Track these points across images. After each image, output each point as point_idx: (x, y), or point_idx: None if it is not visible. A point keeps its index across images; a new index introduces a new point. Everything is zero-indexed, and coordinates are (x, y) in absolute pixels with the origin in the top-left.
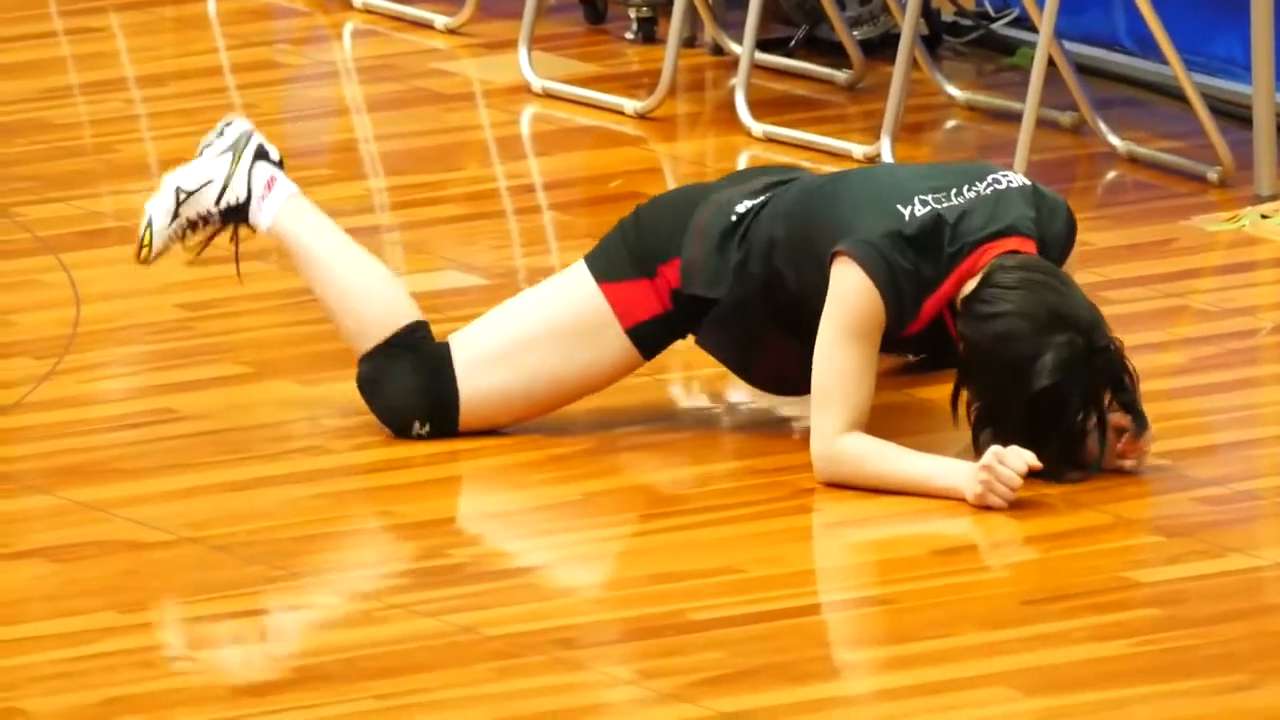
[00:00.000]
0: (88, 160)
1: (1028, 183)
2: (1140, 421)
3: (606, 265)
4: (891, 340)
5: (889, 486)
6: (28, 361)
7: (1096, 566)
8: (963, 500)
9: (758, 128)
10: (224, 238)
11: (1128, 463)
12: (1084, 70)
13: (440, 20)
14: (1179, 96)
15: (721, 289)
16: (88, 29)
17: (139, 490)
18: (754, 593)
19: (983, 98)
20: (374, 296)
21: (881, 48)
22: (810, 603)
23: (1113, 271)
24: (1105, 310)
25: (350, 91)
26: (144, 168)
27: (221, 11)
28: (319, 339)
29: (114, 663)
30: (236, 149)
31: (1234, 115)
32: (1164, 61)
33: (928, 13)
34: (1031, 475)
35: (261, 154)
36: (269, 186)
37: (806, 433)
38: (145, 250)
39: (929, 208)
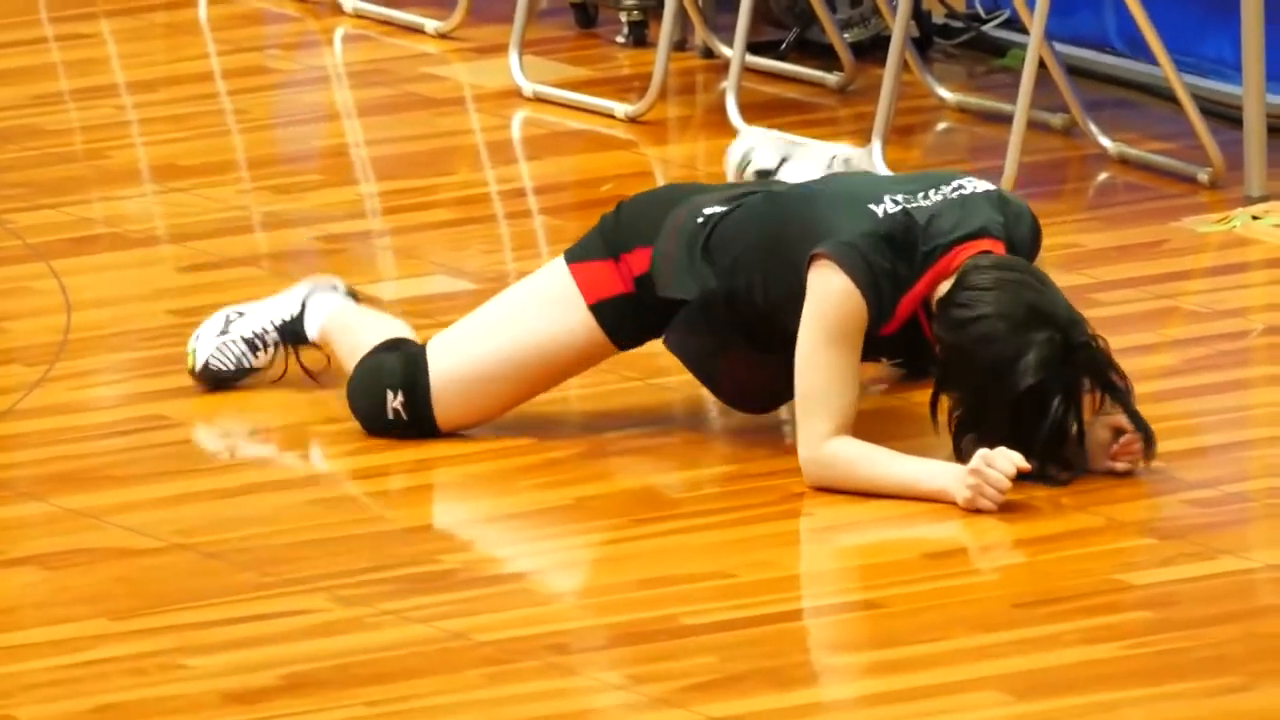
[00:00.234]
0: (79, 166)
1: (992, 188)
2: (1144, 430)
3: (579, 250)
4: (867, 341)
5: (879, 490)
6: (19, 368)
7: (1087, 569)
8: (952, 503)
9: (749, 131)
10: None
11: (1120, 465)
12: (1075, 72)
13: (431, 25)
14: (1170, 98)
15: (688, 291)
16: (78, 35)
17: (130, 497)
18: (745, 597)
19: (974, 100)
20: (380, 332)
21: (872, 50)
22: (801, 607)
23: (1103, 273)
24: (1096, 312)
25: (341, 96)
26: (135, 174)
27: (212, 17)
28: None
29: (106, 670)
30: (299, 287)
31: (1225, 116)
32: (1154, 63)
33: (918, 15)
34: (1020, 477)
35: (330, 289)
36: (322, 304)
37: (796, 437)
38: (190, 359)
39: (900, 206)
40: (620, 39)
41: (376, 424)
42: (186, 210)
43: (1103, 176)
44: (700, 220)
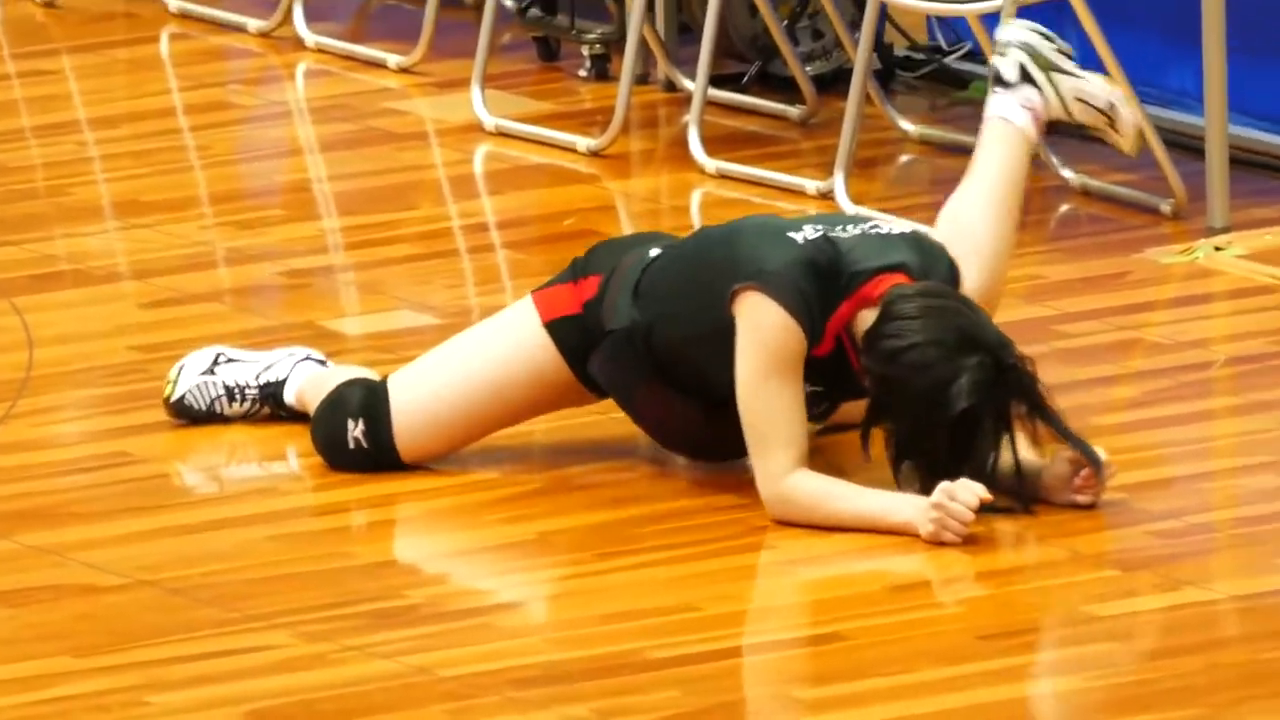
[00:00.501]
0: (40, 203)
1: (909, 229)
2: (1084, 450)
3: (547, 283)
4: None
5: (843, 524)
6: None
7: (1051, 601)
8: (916, 536)
9: (711, 164)
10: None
11: (1083, 498)
12: None
13: (393, 59)
14: None
15: (614, 323)
16: (40, 71)
17: (93, 534)
18: (709, 631)
19: (936, 132)
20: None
21: (834, 83)
22: (766, 640)
23: (1066, 305)
24: (1059, 344)
25: (303, 131)
26: (97, 210)
27: (174, 53)
28: None
29: (69, 707)
30: (293, 352)
31: (1187, 147)
32: None
33: (880, 47)
34: (983, 509)
35: (321, 362)
36: (308, 370)
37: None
38: (169, 388)
39: (820, 233)
40: (582, 73)
41: (338, 455)
42: (149, 246)
43: (1065, 208)
44: (640, 262)
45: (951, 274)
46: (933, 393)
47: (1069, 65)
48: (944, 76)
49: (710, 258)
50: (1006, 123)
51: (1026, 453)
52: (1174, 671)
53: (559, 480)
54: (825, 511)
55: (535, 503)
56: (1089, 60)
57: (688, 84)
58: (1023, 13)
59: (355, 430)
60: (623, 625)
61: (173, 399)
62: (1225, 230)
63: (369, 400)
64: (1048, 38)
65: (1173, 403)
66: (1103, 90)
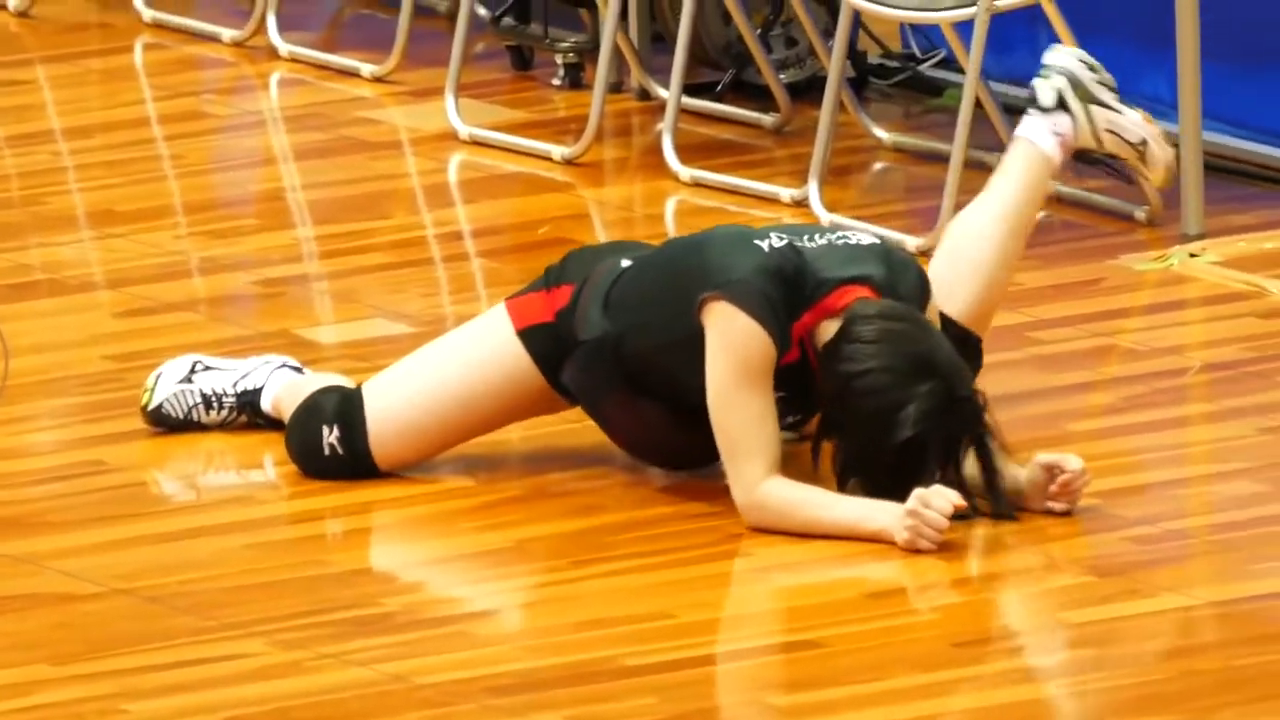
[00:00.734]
0: (15, 213)
1: (877, 240)
2: (998, 502)
3: (521, 290)
4: None
5: (819, 532)
6: None
7: (1027, 607)
8: (892, 543)
9: (685, 172)
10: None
11: (1058, 505)
12: (1011, 111)
13: (367, 69)
14: None
15: (586, 333)
16: (14, 81)
17: (69, 542)
18: (685, 638)
19: (910, 139)
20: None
21: (808, 91)
22: (742, 647)
23: (1041, 311)
24: (1034, 350)
25: (277, 140)
26: (72, 220)
27: (147, 63)
28: None
29: (46, 715)
30: (270, 360)
31: None
32: None
33: (854, 55)
34: (958, 516)
35: (297, 370)
36: (285, 377)
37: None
38: (147, 396)
39: (786, 241)
40: (556, 81)
41: (313, 461)
42: (123, 256)
43: (1040, 215)
44: (611, 271)
45: (920, 286)
46: (881, 418)
47: (1109, 98)
48: (918, 84)
49: (679, 266)
50: (1033, 145)
51: (1001, 460)
52: (1150, 678)
53: (535, 488)
54: (800, 518)
55: (511, 510)
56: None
57: (662, 92)
58: (997, 19)
59: (330, 437)
60: (598, 633)
61: (150, 407)
62: (1200, 237)
63: (344, 407)
64: (1093, 68)
65: (1148, 409)
66: (1137, 126)
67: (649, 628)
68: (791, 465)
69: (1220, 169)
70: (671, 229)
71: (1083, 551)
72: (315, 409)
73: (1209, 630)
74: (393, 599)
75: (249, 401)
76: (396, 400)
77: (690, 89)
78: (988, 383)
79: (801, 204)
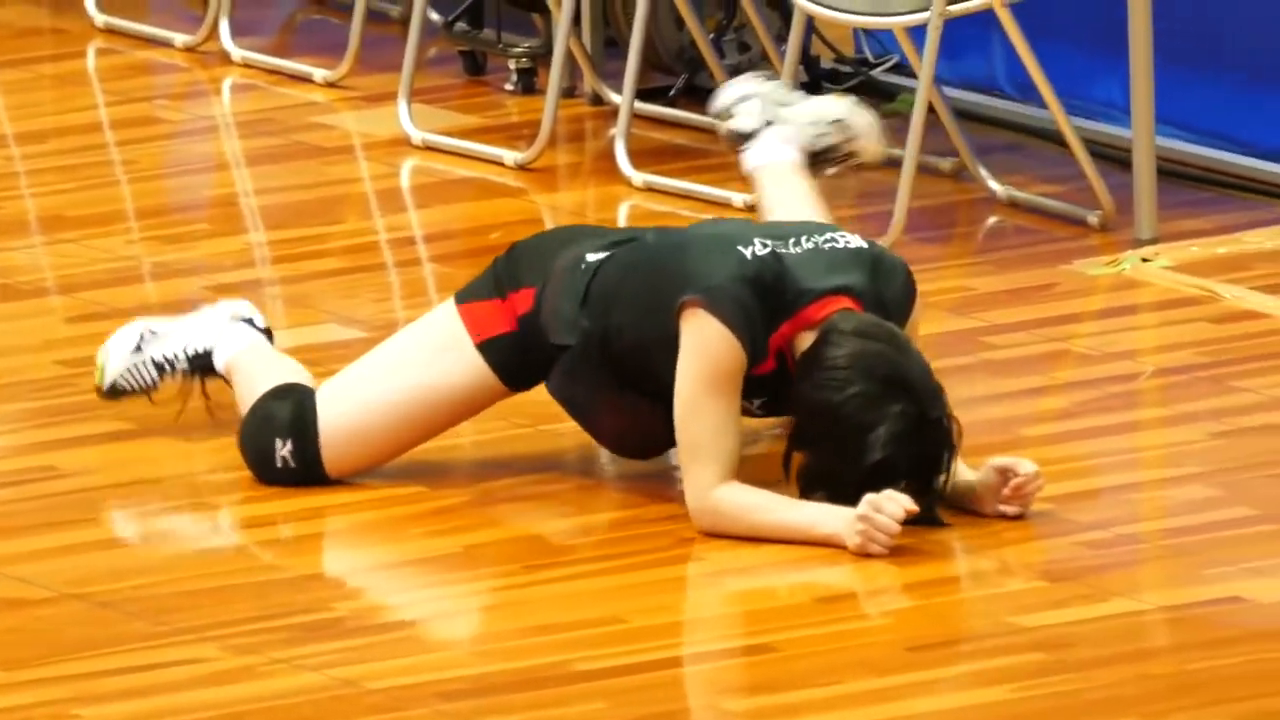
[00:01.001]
0: None
1: (865, 245)
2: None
3: (468, 291)
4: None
5: (769, 536)
6: None
7: (980, 611)
8: (843, 548)
9: (638, 177)
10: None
11: (1011, 508)
12: (964, 116)
13: (319, 74)
14: (1059, 141)
15: (570, 337)
16: None
17: (21, 548)
18: (637, 643)
19: None
20: (275, 378)
21: None
22: (694, 652)
23: (994, 316)
24: (987, 355)
25: (230, 146)
26: (24, 225)
27: (100, 68)
28: (199, 395)
29: None
30: (217, 313)
31: (1114, 159)
32: (1044, 106)
33: (807, 60)
34: (910, 521)
35: (247, 321)
36: (236, 335)
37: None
38: (99, 374)
39: (769, 249)
40: (509, 86)
41: (266, 472)
42: (75, 261)
43: (992, 220)
44: (584, 268)
45: (906, 293)
46: (852, 438)
47: (793, 96)
48: (871, 89)
49: (661, 267)
50: (775, 163)
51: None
52: (1103, 682)
53: (485, 493)
54: (751, 523)
55: (462, 515)
56: (1016, 73)
57: (614, 97)
58: (950, 24)
59: (283, 450)
60: (550, 638)
61: (105, 387)
62: (1152, 242)
63: (296, 418)
64: (766, 79)
65: (1100, 414)
66: (833, 105)
67: (600, 633)
68: (760, 469)
69: (1173, 174)
70: None
71: (1035, 556)
72: (269, 420)
73: (1161, 635)
74: (343, 604)
75: (201, 364)
76: (351, 417)
77: (643, 94)
78: None
79: (754, 209)
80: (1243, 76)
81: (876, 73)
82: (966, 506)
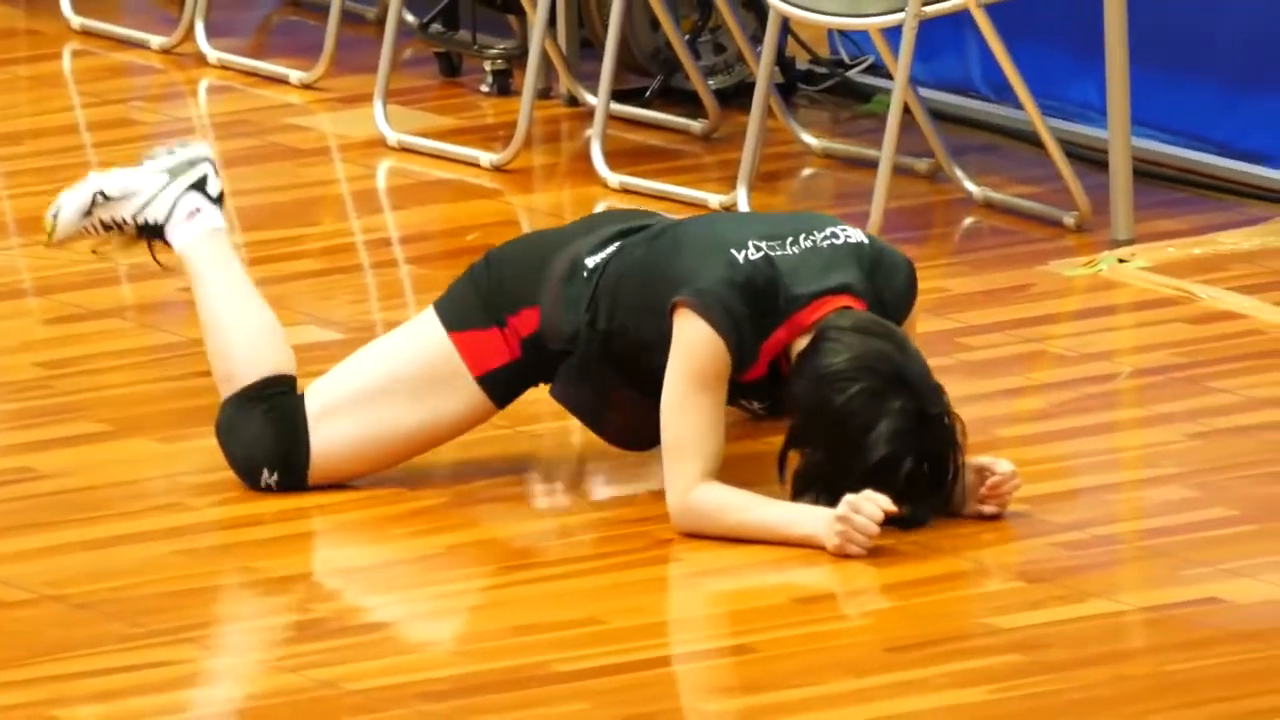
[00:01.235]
0: None
1: (865, 239)
2: (919, 518)
3: (456, 314)
4: (732, 386)
5: (747, 536)
6: None
7: (958, 612)
8: (822, 548)
9: (614, 178)
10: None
11: (989, 508)
12: (940, 117)
13: (295, 75)
14: (1035, 142)
15: (573, 344)
16: None
17: None
18: (617, 643)
19: (839, 145)
20: (251, 344)
21: (737, 97)
22: (674, 652)
23: (970, 317)
24: (964, 356)
25: None
26: (1, 227)
27: (76, 69)
28: (177, 396)
29: None
30: (175, 173)
31: (1090, 160)
32: (1020, 107)
33: (782, 61)
34: (888, 521)
35: (200, 185)
36: (190, 216)
37: (665, 485)
38: (48, 236)
39: (762, 253)
40: (485, 88)
41: (248, 481)
42: (52, 263)
43: (969, 221)
44: (585, 275)
45: (907, 288)
46: (852, 437)
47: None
48: (846, 90)
49: (657, 268)
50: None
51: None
52: (1080, 683)
53: (466, 494)
54: (729, 522)
55: (442, 516)
56: (992, 74)
57: (590, 98)
58: (925, 25)
59: (269, 479)
60: (530, 638)
61: (54, 241)
62: (1129, 243)
63: (287, 452)
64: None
65: (1077, 415)
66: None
67: (580, 633)
68: (762, 468)
69: (1149, 175)
70: None
71: (1013, 557)
72: (257, 442)
73: (1139, 636)
74: (323, 605)
75: (151, 236)
76: (344, 453)
77: (619, 95)
78: None
79: (730, 210)
80: (1219, 78)
81: (852, 74)
82: (944, 506)
